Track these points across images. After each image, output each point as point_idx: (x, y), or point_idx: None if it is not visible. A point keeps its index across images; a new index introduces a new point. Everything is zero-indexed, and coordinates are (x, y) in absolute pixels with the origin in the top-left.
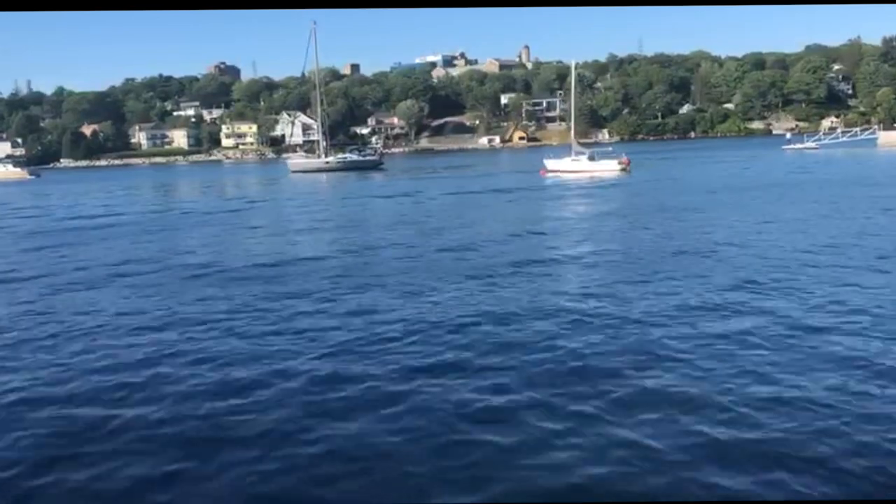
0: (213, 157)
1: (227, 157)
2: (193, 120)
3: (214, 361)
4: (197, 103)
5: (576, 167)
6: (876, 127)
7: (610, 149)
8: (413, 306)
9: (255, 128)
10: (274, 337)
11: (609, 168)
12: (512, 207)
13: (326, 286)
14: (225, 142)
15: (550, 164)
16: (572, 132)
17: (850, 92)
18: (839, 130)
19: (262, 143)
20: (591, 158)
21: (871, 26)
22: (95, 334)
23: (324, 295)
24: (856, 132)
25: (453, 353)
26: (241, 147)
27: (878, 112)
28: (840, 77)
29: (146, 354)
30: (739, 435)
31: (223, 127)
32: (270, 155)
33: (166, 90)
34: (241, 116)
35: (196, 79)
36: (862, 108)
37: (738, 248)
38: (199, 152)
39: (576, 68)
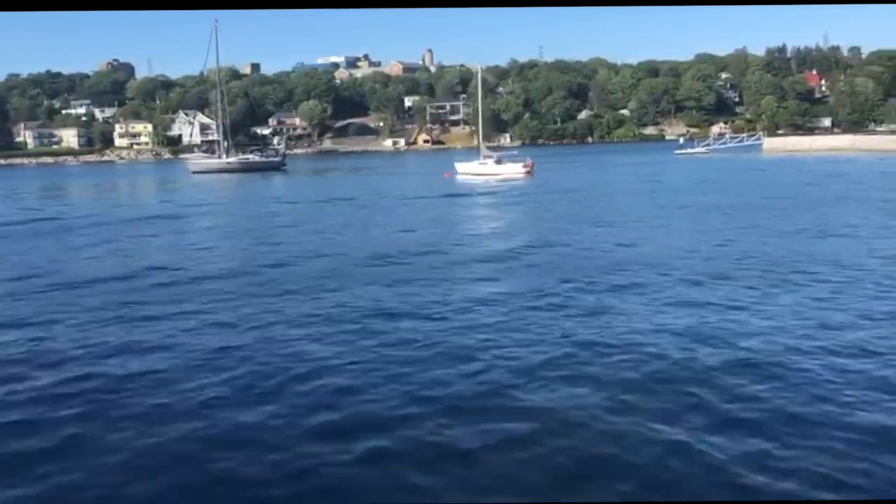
0: (105, 158)
1: (121, 158)
2: (84, 119)
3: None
4: (88, 101)
5: (483, 170)
6: (761, 133)
7: (515, 153)
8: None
9: (150, 127)
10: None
11: (514, 171)
12: (423, 211)
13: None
14: (118, 141)
15: (460, 166)
16: (480, 136)
17: (737, 99)
18: (727, 136)
19: (159, 143)
20: (499, 162)
21: (756, 37)
22: None
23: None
24: (743, 138)
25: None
26: (135, 147)
27: (762, 119)
28: (728, 85)
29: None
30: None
31: (116, 126)
32: (167, 155)
33: (54, 87)
34: (135, 115)
35: (87, 76)
36: (748, 115)
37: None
38: (91, 152)
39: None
